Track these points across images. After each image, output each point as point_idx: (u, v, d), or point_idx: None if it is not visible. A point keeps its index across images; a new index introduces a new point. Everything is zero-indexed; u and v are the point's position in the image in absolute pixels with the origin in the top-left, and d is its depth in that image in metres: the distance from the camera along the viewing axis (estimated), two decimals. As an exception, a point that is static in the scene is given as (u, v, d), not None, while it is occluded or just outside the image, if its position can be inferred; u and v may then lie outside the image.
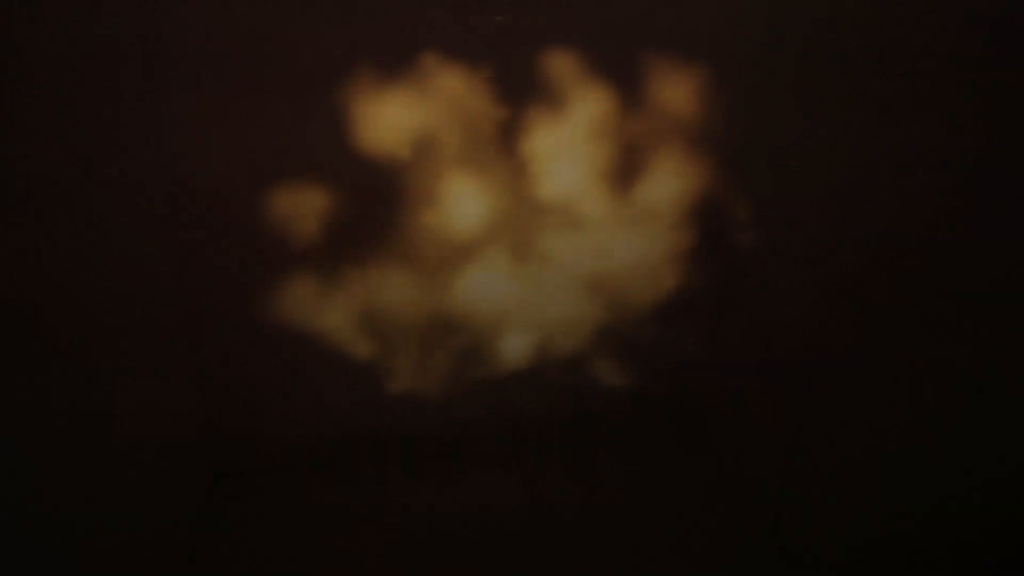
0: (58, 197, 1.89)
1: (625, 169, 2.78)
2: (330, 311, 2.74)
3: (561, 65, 2.56)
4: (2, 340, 1.63)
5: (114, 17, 2.16)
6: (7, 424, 1.65)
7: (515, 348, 2.85)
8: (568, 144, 2.68)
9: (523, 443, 3.09)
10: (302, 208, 2.57)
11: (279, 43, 2.29)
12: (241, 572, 2.46)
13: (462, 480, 2.92)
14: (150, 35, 2.21)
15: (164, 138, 2.29)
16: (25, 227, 1.76)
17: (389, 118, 2.43)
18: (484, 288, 2.59)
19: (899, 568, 2.17)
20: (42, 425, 1.78)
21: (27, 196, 1.78)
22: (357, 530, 2.63)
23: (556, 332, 2.91)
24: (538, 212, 2.52)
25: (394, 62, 2.37)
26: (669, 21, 2.55)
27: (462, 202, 2.40)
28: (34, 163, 1.81)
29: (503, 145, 2.51)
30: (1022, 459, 1.83)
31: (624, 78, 2.63)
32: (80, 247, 1.95)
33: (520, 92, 2.50)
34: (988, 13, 1.92)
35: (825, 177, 2.47)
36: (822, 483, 2.50)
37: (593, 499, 2.84)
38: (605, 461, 3.05)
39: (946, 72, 2.02)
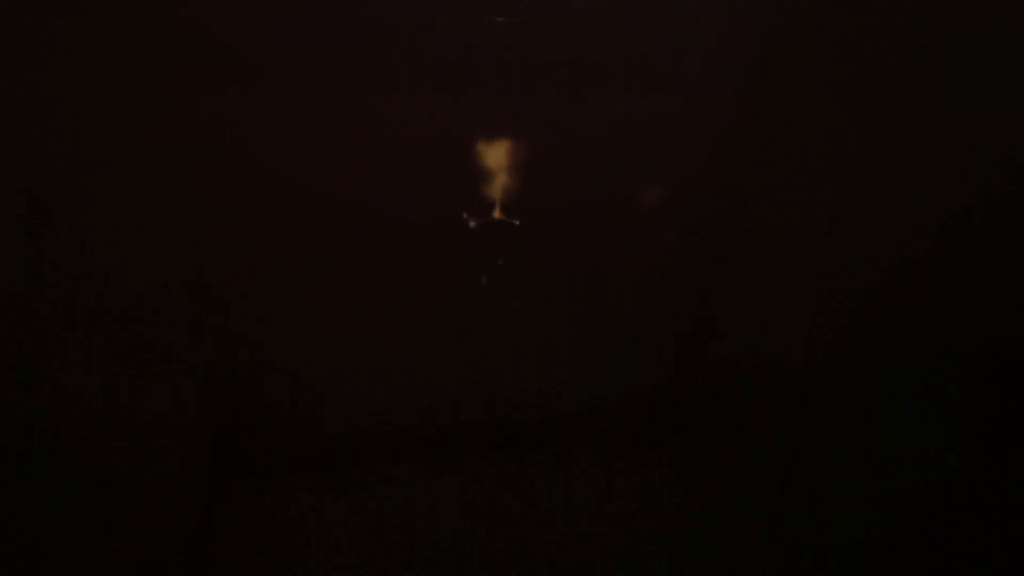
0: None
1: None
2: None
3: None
4: (1, 335, 1.62)
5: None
6: (4, 422, 1.64)
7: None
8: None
9: (523, 443, 3.09)
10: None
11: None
12: (242, 572, 2.46)
13: (462, 479, 2.93)
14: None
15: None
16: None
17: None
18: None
19: (900, 565, 2.18)
20: (41, 424, 1.78)
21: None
22: (358, 529, 2.64)
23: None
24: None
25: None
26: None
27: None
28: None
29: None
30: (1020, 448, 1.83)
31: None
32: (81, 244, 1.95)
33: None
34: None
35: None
36: (823, 480, 2.51)
37: (593, 499, 2.84)
38: (605, 460, 3.06)
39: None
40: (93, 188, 1.98)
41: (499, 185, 1.99)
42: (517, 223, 1.96)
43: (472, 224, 1.97)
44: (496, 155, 1.99)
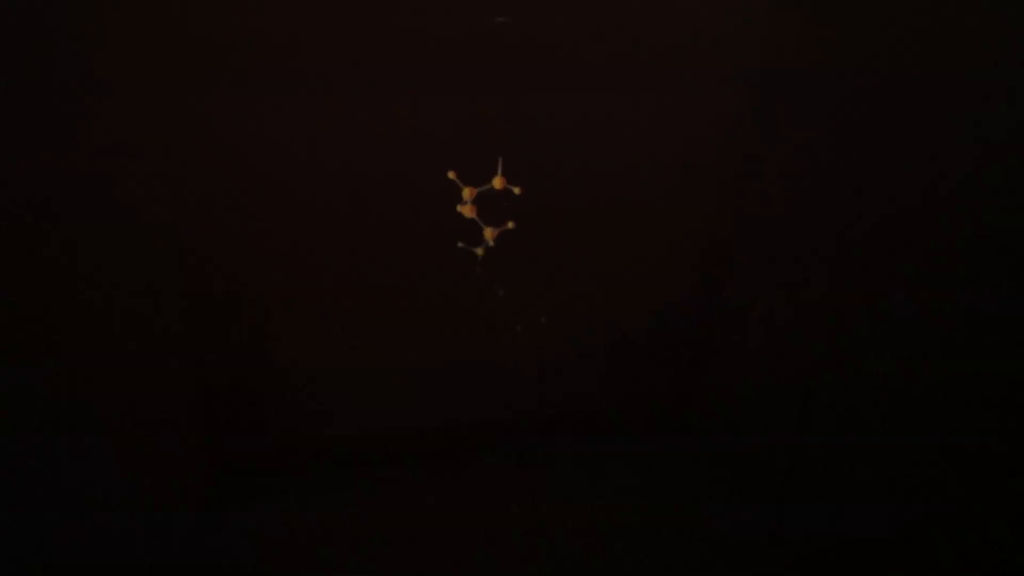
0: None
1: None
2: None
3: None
4: (1, 337, 1.62)
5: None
6: (5, 423, 1.64)
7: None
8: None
9: (524, 443, 3.09)
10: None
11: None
12: (242, 572, 2.46)
13: (461, 479, 2.92)
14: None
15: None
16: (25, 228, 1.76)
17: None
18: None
19: (899, 566, 2.18)
20: (41, 425, 1.78)
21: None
22: (357, 529, 2.63)
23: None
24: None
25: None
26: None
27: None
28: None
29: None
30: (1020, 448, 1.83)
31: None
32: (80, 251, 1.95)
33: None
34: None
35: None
36: (823, 480, 2.51)
37: (592, 498, 2.84)
38: (604, 460, 3.06)
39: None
40: (93, 188, 1.98)
41: (496, 183, 1.99)
42: (517, 191, 1.96)
43: (469, 196, 1.97)
44: (494, 154, 1.99)
